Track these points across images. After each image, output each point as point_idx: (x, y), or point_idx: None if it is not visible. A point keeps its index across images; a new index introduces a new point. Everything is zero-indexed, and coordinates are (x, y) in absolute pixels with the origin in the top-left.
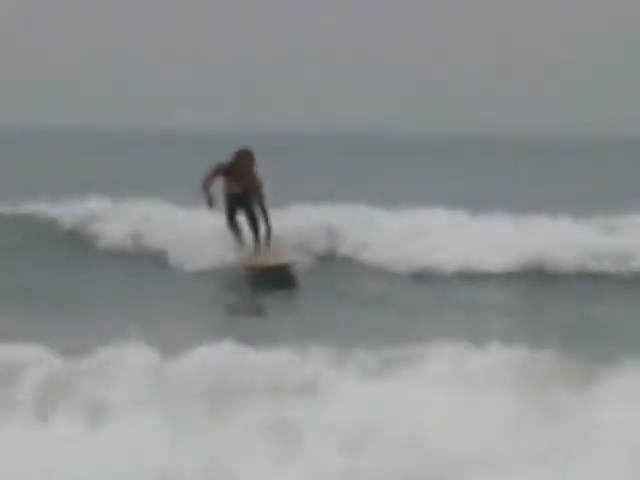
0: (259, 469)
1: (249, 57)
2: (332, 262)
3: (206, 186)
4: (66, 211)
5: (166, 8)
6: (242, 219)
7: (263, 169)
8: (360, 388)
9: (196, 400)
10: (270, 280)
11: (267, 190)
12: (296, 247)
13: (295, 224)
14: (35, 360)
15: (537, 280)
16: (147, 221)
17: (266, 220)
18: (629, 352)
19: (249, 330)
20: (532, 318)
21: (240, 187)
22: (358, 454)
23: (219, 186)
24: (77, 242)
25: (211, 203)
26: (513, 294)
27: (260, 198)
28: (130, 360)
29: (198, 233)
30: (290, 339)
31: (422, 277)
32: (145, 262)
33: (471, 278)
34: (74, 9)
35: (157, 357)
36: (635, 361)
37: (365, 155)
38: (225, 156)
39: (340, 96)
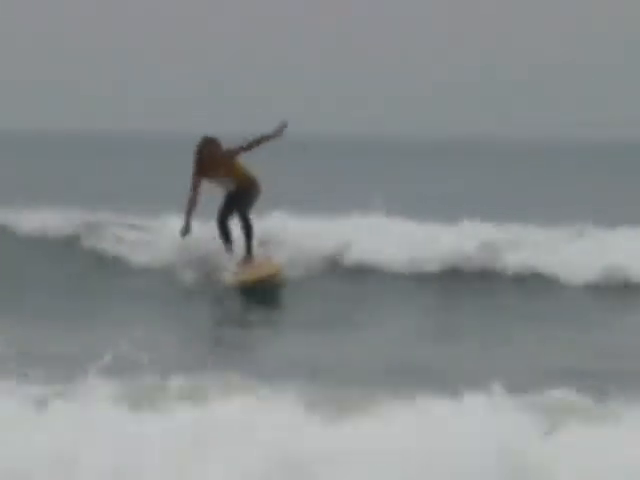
0: None
1: (249, 57)
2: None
3: (190, 205)
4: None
5: (166, 8)
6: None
7: (264, 169)
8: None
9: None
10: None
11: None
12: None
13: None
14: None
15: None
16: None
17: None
18: None
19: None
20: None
21: (233, 183)
22: None
23: (210, 191)
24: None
25: (186, 230)
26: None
27: (252, 187)
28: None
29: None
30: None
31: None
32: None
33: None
34: (74, 9)
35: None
36: None
37: (364, 155)
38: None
39: (340, 96)
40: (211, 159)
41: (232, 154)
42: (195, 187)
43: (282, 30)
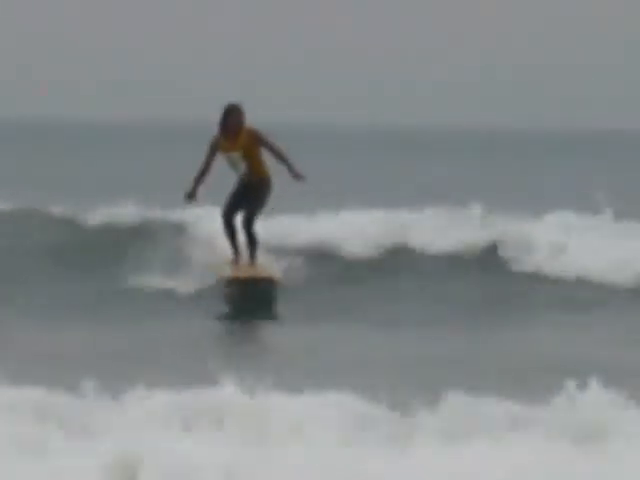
0: None
1: (249, 57)
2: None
3: (201, 172)
4: None
5: (166, 8)
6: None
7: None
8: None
9: None
10: (246, 293)
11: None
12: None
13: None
14: None
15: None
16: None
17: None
18: None
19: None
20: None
21: (244, 164)
22: None
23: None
24: None
25: (191, 196)
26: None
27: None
28: None
29: None
30: None
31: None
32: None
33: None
34: (74, 9)
35: None
36: None
37: (362, 154)
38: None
39: (340, 96)
40: (234, 128)
41: (256, 134)
42: (210, 154)
43: (282, 30)
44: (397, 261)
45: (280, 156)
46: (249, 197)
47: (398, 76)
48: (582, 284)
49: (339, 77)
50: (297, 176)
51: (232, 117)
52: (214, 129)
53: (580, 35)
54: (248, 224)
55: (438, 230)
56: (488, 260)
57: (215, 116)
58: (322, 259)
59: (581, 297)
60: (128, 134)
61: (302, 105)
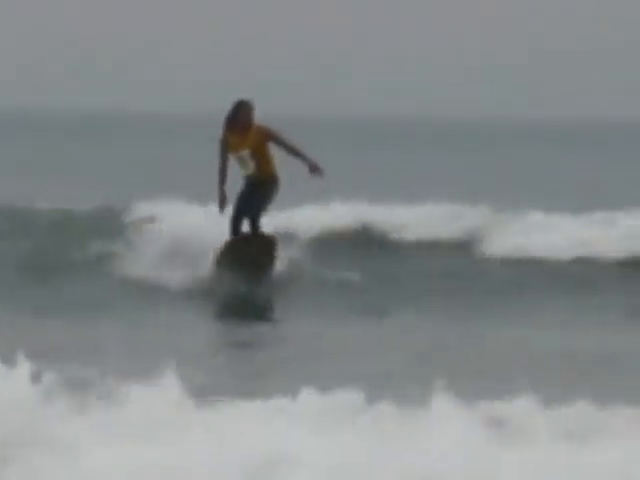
0: None
1: (250, 57)
2: None
3: (221, 174)
4: None
5: (166, 8)
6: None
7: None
8: None
9: None
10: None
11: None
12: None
13: None
14: None
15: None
16: None
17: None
18: None
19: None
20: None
21: (253, 162)
22: None
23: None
24: None
25: (223, 203)
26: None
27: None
28: None
29: None
30: None
31: None
32: None
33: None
34: (74, 9)
35: None
36: None
37: (362, 152)
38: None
39: (340, 96)
40: (244, 124)
41: (267, 132)
42: (223, 153)
43: (282, 30)
44: (394, 253)
45: (295, 152)
46: (256, 194)
47: (398, 76)
48: (575, 265)
49: (339, 77)
50: (314, 170)
51: (242, 113)
52: (214, 125)
53: (580, 35)
54: (254, 221)
55: (438, 222)
56: (486, 250)
57: (215, 116)
58: (320, 251)
59: (574, 279)
60: (128, 132)
61: (302, 105)
